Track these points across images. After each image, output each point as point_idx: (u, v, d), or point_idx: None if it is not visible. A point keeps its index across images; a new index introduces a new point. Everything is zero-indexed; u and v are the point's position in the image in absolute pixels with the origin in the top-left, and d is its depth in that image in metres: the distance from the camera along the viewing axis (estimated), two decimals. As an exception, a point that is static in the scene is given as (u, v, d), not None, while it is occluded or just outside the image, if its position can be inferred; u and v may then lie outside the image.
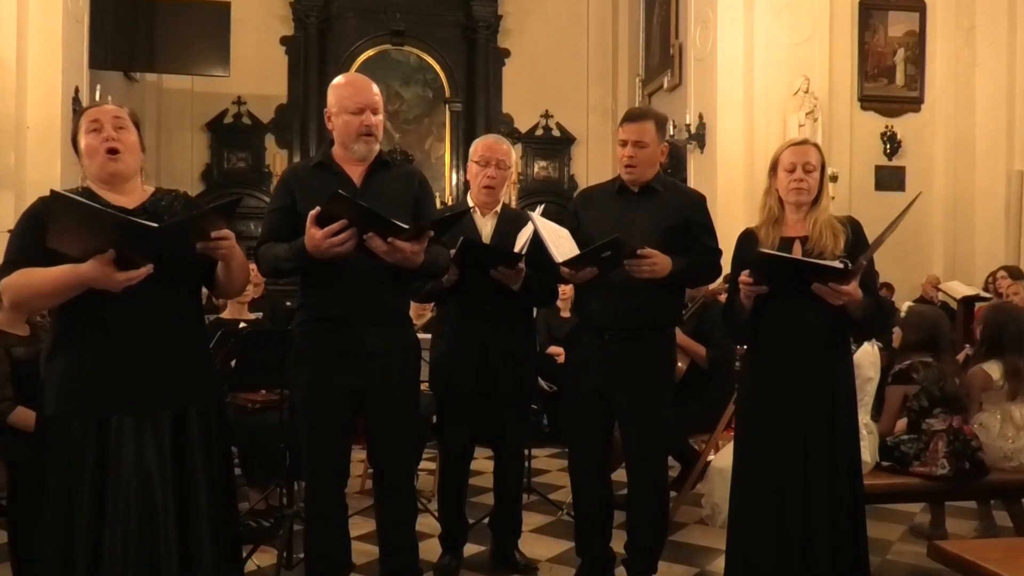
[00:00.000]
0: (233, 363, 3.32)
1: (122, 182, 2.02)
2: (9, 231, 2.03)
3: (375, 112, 2.45)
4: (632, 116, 2.76)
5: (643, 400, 2.68)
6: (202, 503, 1.98)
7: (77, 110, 6.56)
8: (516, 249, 2.74)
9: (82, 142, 2.01)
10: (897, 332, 3.48)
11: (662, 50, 8.94)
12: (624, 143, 2.69)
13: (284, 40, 9.70)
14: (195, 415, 2.00)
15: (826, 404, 2.40)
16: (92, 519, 1.87)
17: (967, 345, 5.06)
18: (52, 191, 1.78)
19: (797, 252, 2.41)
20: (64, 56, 6.41)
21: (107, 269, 1.78)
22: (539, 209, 2.89)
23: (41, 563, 1.90)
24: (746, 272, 2.35)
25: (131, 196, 2.03)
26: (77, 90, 6.64)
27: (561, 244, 2.57)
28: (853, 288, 2.27)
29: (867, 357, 3.11)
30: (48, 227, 1.81)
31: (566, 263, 2.52)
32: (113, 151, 1.98)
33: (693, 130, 7.46)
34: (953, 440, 2.92)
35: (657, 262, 2.52)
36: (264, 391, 3.81)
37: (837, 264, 2.27)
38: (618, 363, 2.66)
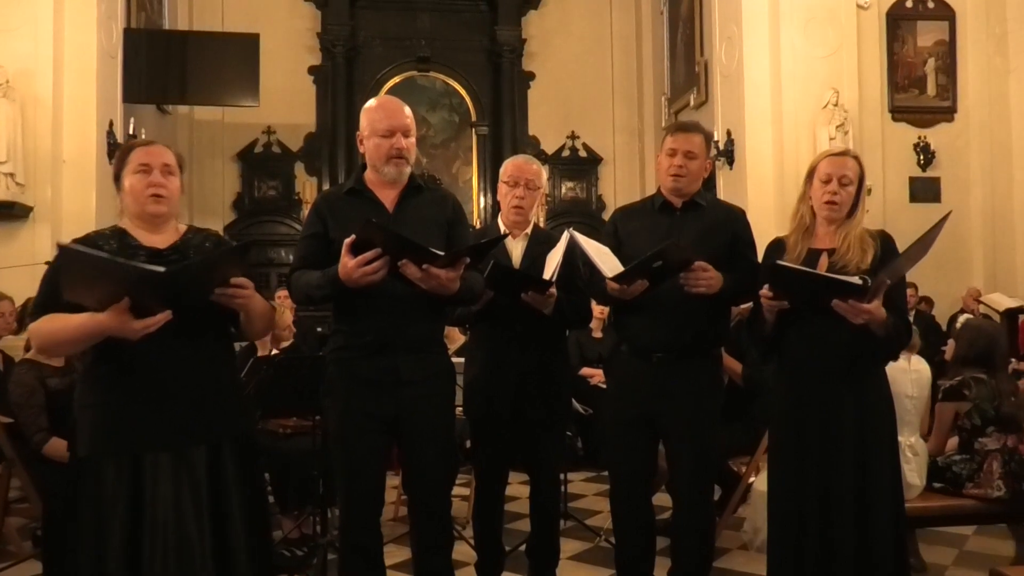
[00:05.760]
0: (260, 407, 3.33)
1: (160, 224, 2.04)
2: (47, 263, 2.05)
3: (406, 134, 2.43)
4: (683, 127, 2.72)
5: (694, 425, 2.59)
6: (239, 537, 1.96)
7: (112, 142, 6.69)
8: (547, 275, 2.69)
9: (127, 181, 2.01)
10: (950, 345, 3.37)
11: (687, 68, 8.92)
12: (673, 152, 2.63)
13: (312, 69, 9.84)
14: (229, 450, 1.99)
15: (852, 424, 2.30)
16: (127, 557, 1.86)
17: (1012, 359, 4.91)
18: (59, 244, 1.80)
19: (823, 265, 2.33)
20: (99, 91, 6.56)
21: (124, 317, 1.78)
22: (568, 232, 2.84)
23: None
24: (767, 286, 2.28)
25: (165, 236, 2.05)
26: (111, 124, 6.78)
27: (606, 260, 2.51)
28: (875, 307, 2.16)
29: (904, 374, 2.99)
30: (61, 280, 1.82)
31: (617, 277, 2.45)
32: (158, 196, 1.99)
33: (722, 146, 7.40)
34: (1008, 460, 2.81)
35: (712, 276, 2.46)
36: (296, 417, 3.79)
37: (856, 280, 2.16)
38: (668, 386, 2.58)
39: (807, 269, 2.29)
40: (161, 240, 2.03)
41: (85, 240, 2.01)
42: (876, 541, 2.26)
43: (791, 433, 2.39)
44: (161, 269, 1.78)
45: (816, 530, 2.30)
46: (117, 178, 2.04)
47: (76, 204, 6.34)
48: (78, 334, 1.85)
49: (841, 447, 2.30)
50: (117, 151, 2.07)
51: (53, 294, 1.91)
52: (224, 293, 1.87)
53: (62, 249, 1.77)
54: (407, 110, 2.47)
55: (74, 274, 1.80)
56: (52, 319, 1.88)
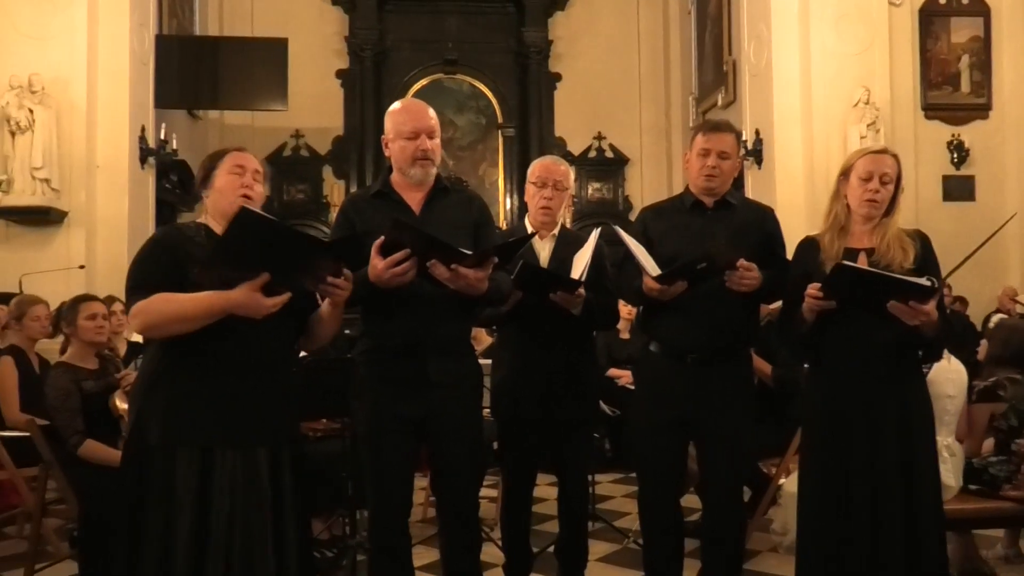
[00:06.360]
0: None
1: None
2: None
3: (431, 136, 2.44)
4: (715, 126, 2.68)
5: (730, 427, 2.57)
6: (292, 540, 2.00)
7: (144, 147, 6.79)
8: (576, 275, 2.69)
9: (219, 180, 2.09)
10: (983, 345, 3.30)
11: (715, 67, 8.85)
12: (706, 152, 2.60)
13: (340, 73, 9.92)
14: (287, 453, 2.03)
15: (895, 424, 2.27)
16: (192, 551, 1.89)
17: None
18: (241, 207, 1.87)
19: (863, 264, 2.30)
20: (131, 97, 6.67)
21: (256, 295, 1.87)
22: (596, 232, 2.83)
23: None
24: (815, 285, 2.24)
25: None
26: (143, 129, 6.89)
27: (646, 259, 2.50)
28: (931, 307, 2.15)
29: (944, 374, 2.94)
30: (217, 248, 1.90)
31: (659, 278, 2.44)
32: (247, 197, 2.08)
33: (750, 146, 7.34)
34: (1047, 462, 2.75)
35: (756, 275, 2.45)
36: (325, 420, 3.81)
37: (925, 282, 2.13)
38: (703, 388, 2.56)
39: (878, 271, 2.25)
40: None
41: (173, 228, 2.15)
42: (924, 543, 2.23)
43: (827, 433, 2.35)
44: (327, 241, 2.03)
45: (864, 531, 2.26)
46: (203, 180, 2.13)
47: (109, 209, 6.45)
48: (202, 311, 1.90)
49: (885, 448, 2.27)
50: (206, 157, 2.20)
51: (155, 273, 1.96)
52: (334, 283, 1.97)
53: (243, 210, 1.85)
54: (431, 112, 2.48)
55: (243, 238, 1.85)
56: (167, 298, 1.92)
